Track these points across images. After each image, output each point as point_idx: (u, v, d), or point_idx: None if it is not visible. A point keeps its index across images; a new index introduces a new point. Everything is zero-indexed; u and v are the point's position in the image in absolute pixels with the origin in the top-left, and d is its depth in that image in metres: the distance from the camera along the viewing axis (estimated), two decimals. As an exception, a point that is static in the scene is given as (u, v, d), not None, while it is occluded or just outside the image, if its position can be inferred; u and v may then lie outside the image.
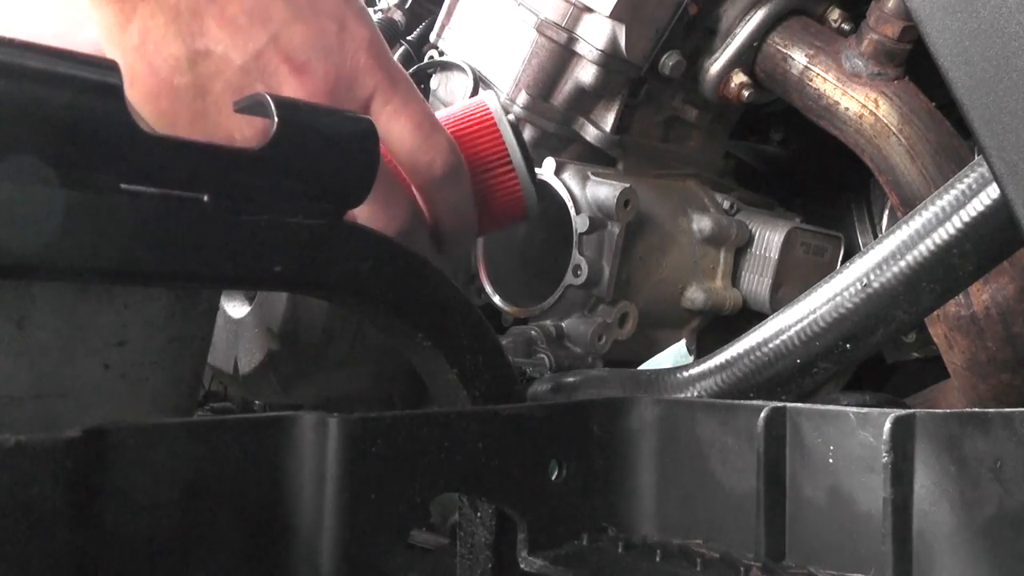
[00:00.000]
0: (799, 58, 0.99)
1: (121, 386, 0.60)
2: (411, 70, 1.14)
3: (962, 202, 0.61)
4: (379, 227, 0.68)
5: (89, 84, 0.43)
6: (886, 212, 1.12)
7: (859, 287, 0.65)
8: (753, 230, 1.05)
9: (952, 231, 0.61)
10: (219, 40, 0.64)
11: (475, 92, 1.04)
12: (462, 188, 0.74)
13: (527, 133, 1.00)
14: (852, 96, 0.95)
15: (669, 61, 0.98)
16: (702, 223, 1.03)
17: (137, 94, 0.64)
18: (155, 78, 0.64)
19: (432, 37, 1.11)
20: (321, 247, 0.54)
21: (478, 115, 0.77)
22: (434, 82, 1.12)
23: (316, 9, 0.68)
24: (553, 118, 1.00)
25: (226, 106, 0.65)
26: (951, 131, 0.92)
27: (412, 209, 0.72)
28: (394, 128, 0.70)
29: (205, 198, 0.49)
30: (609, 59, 0.96)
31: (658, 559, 0.58)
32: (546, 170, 0.97)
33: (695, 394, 0.73)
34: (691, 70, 1.02)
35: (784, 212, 1.14)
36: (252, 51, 0.65)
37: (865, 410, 0.53)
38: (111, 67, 0.44)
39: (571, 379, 0.83)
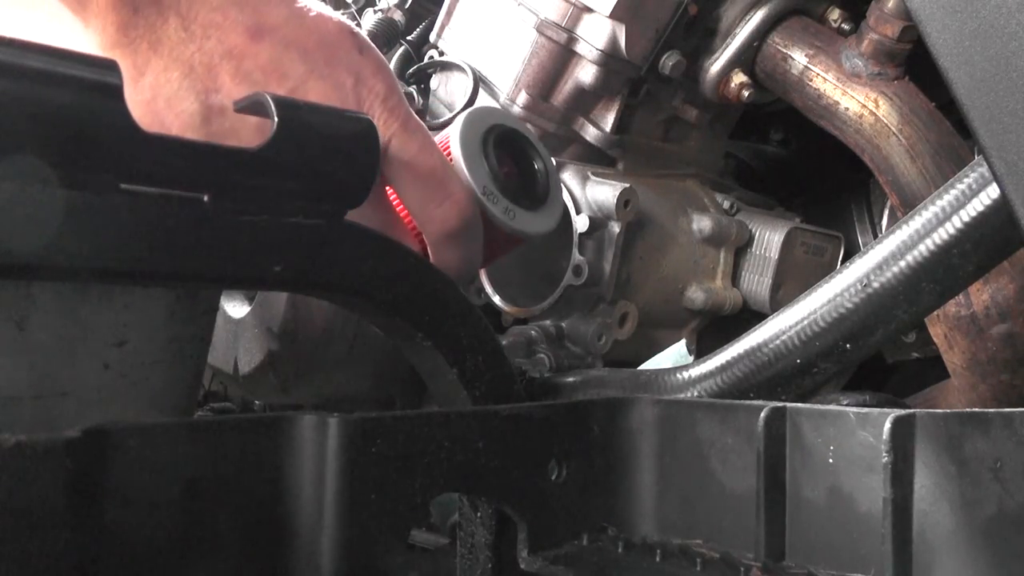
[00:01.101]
0: (799, 58, 0.99)
1: (121, 386, 0.60)
2: (411, 70, 1.14)
3: (962, 202, 0.61)
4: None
5: (89, 84, 0.43)
6: (886, 212, 1.12)
7: (859, 287, 0.65)
8: (753, 230, 1.05)
9: (952, 231, 0.61)
10: (235, 96, 0.62)
11: (475, 92, 1.04)
12: (474, 242, 0.73)
13: (527, 133, 1.00)
14: (852, 96, 0.95)
15: (669, 61, 0.98)
16: (702, 223, 1.03)
17: None
18: (173, 132, 0.62)
19: (432, 37, 1.11)
20: (321, 247, 0.54)
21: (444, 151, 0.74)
22: (434, 82, 1.12)
23: (332, 63, 0.67)
24: (553, 118, 1.00)
25: None
26: (951, 131, 0.92)
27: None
28: (407, 180, 0.69)
29: (205, 198, 0.49)
30: (609, 59, 0.96)
31: (658, 559, 0.58)
32: (546, 170, 0.96)
33: (695, 394, 0.73)
34: (691, 70, 1.02)
35: (784, 212, 1.14)
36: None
37: (865, 410, 0.53)
38: (111, 67, 0.44)
39: (571, 379, 0.83)
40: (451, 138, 0.75)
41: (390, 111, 0.68)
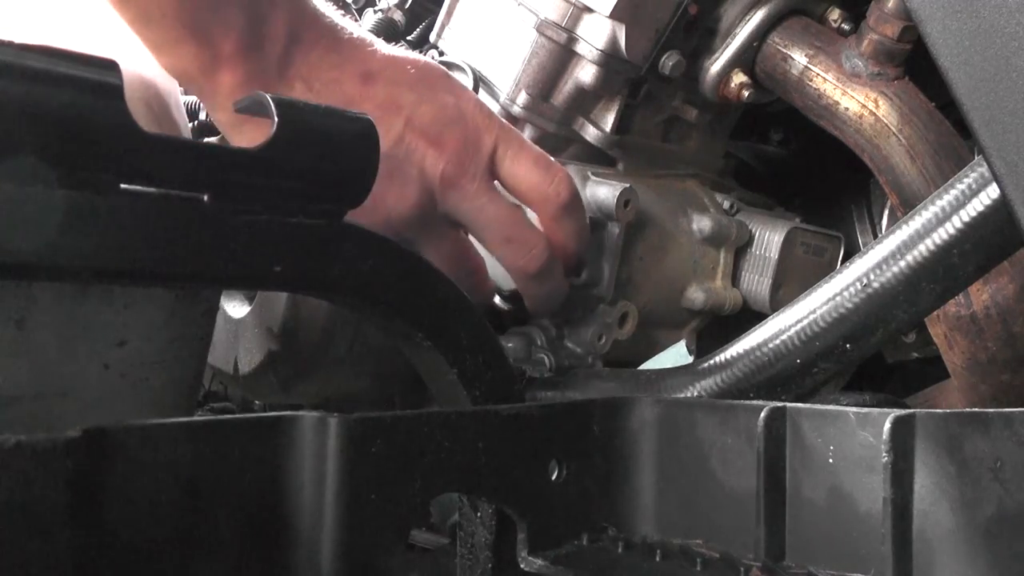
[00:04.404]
0: (799, 58, 0.99)
1: (121, 386, 0.60)
2: (411, 70, 1.14)
3: (962, 202, 0.61)
4: (521, 266, 0.80)
5: (89, 84, 0.43)
6: (886, 212, 1.12)
7: (859, 287, 0.65)
8: (753, 230, 1.05)
9: (952, 231, 0.61)
10: None
11: (475, 92, 1.04)
12: (582, 213, 0.85)
13: (527, 133, 1.00)
14: (852, 96, 0.95)
15: (669, 61, 0.98)
16: (702, 223, 1.03)
17: None
18: None
19: (432, 37, 1.11)
20: (321, 247, 0.54)
21: None
22: (434, 82, 1.12)
23: (433, 89, 0.77)
24: (553, 118, 1.00)
25: (378, 188, 0.67)
26: (951, 131, 0.92)
27: (546, 244, 0.81)
28: (520, 170, 0.79)
29: (205, 198, 0.49)
30: (609, 59, 0.96)
31: (658, 559, 0.58)
32: (546, 170, 0.96)
33: (695, 394, 0.73)
34: (691, 70, 1.02)
35: (784, 212, 1.14)
36: (394, 137, 0.73)
37: (865, 410, 0.53)
38: (111, 67, 0.44)
39: (571, 379, 0.83)
40: None
41: (489, 117, 0.79)
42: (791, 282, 1.04)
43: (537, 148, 0.82)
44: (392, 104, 0.74)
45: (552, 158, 0.82)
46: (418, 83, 0.76)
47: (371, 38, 0.78)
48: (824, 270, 1.05)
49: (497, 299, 1.02)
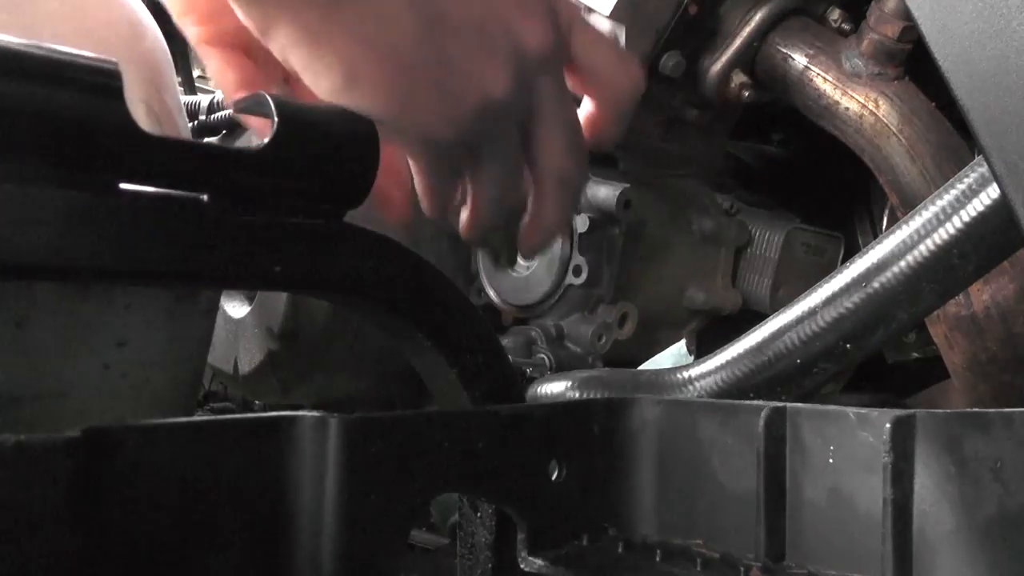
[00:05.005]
0: (799, 58, 0.99)
1: (121, 386, 0.60)
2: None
3: (962, 202, 0.61)
4: (569, 178, 0.68)
5: (89, 85, 0.43)
6: (886, 212, 1.11)
7: (859, 287, 0.65)
8: (753, 230, 1.05)
9: (952, 231, 0.61)
10: (450, 1, 0.61)
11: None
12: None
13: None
14: (852, 96, 0.95)
15: (669, 61, 0.98)
16: (702, 223, 1.03)
17: (370, 83, 0.58)
18: (395, 57, 0.58)
19: (432, 37, 1.11)
20: (321, 247, 0.54)
21: None
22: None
23: None
24: (553, 118, 1.00)
25: (466, 68, 0.62)
26: (951, 131, 0.92)
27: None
28: (600, 51, 0.70)
29: (205, 198, 0.49)
30: (609, 59, 0.96)
31: (658, 559, 0.58)
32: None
33: (695, 394, 0.73)
34: (691, 70, 1.02)
35: (784, 212, 1.14)
36: (483, 3, 0.62)
37: (865, 410, 0.53)
38: (111, 67, 0.44)
39: (571, 378, 0.83)
40: None
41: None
42: (791, 282, 1.04)
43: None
44: None
45: None
46: None
47: None
48: (824, 270, 1.05)
49: (495, 298, 1.02)
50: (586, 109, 0.72)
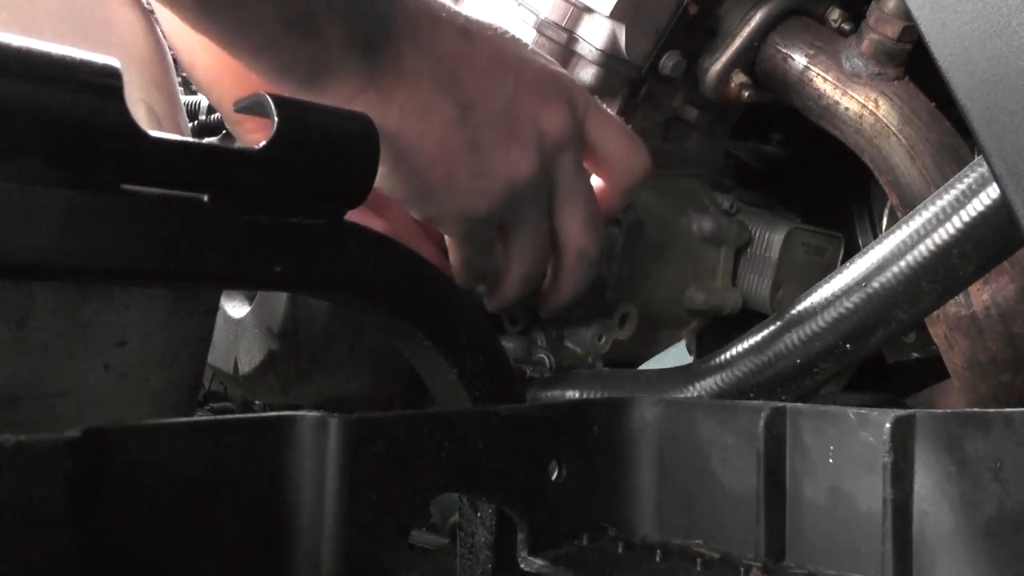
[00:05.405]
0: (799, 58, 0.99)
1: (121, 386, 0.60)
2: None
3: (962, 202, 0.61)
4: (587, 249, 0.76)
5: (89, 85, 0.43)
6: (886, 212, 1.11)
7: (859, 287, 0.65)
8: (753, 230, 1.05)
9: (952, 231, 0.61)
10: (479, 89, 0.67)
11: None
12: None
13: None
14: (852, 96, 0.95)
15: (669, 61, 0.98)
16: (702, 223, 1.03)
17: (412, 166, 0.65)
18: (433, 143, 0.64)
19: (432, 37, 1.11)
20: (321, 247, 0.54)
21: None
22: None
23: (527, 51, 0.74)
24: (553, 118, 1.00)
25: (496, 151, 0.68)
26: (951, 131, 0.92)
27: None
28: (610, 136, 0.77)
29: (205, 198, 0.49)
30: (609, 59, 0.96)
31: (658, 559, 0.58)
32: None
33: (695, 394, 0.73)
34: (691, 70, 1.02)
35: (784, 212, 1.14)
36: (508, 93, 0.69)
37: (865, 410, 0.53)
38: (111, 67, 0.44)
39: (571, 379, 0.83)
40: None
41: (578, 87, 0.76)
42: (791, 282, 1.04)
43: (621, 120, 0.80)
44: (498, 60, 0.70)
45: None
46: (513, 42, 0.73)
47: None
48: (824, 270, 1.05)
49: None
50: (596, 183, 0.79)
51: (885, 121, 0.93)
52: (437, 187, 0.66)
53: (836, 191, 1.16)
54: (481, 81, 0.68)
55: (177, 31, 0.71)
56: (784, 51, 1.00)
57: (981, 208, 0.60)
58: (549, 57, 0.78)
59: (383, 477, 0.49)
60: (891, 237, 0.65)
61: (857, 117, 0.94)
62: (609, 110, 0.80)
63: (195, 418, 0.65)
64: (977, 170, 0.60)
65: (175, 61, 0.74)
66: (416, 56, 0.65)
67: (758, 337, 0.72)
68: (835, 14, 1.02)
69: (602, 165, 0.78)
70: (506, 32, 0.75)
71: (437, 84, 0.66)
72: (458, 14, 0.70)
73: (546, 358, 0.92)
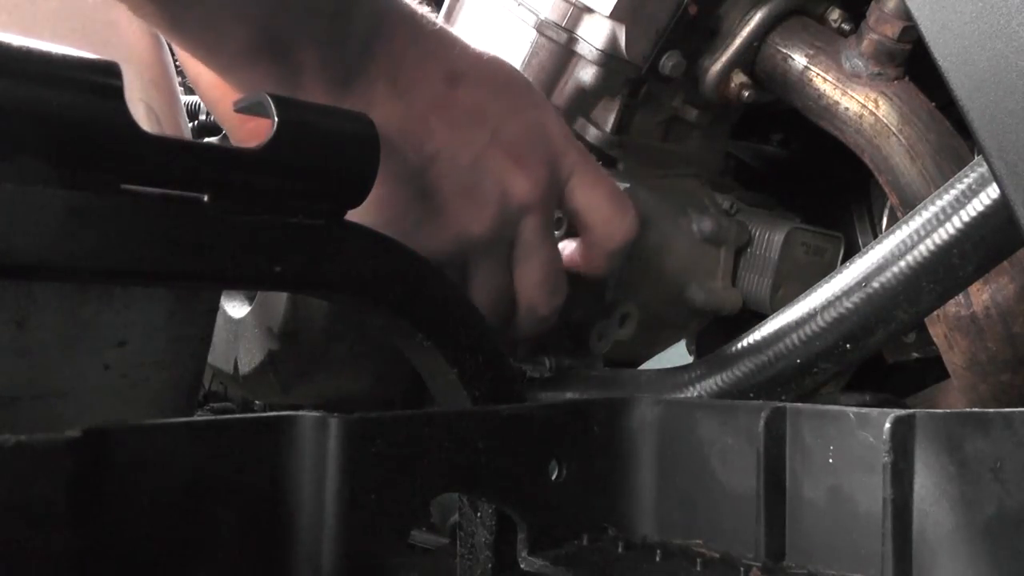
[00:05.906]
0: (799, 58, 0.99)
1: (121, 386, 0.60)
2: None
3: (962, 202, 0.61)
4: (537, 306, 0.76)
5: (89, 85, 0.43)
6: (886, 212, 1.11)
7: (859, 287, 0.65)
8: (753, 230, 1.05)
9: (952, 231, 0.61)
10: (447, 142, 0.67)
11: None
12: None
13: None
14: (852, 96, 0.95)
15: (669, 61, 0.98)
16: (702, 223, 1.03)
17: (363, 205, 0.63)
18: (386, 185, 0.63)
19: (432, 37, 1.11)
20: (321, 247, 0.54)
21: None
22: (434, 82, 1.11)
23: (519, 100, 0.73)
24: (553, 118, 1.00)
25: (453, 203, 0.67)
26: (951, 131, 0.92)
27: (565, 292, 0.78)
28: (594, 202, 0.76)
29: (205, 198, 0.49)
30: (609, 59, 0.96)
31: (658, 559, 0.58)
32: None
33: (695, 394, 0.73)
34: (691, 70, 1.02)
35: (784, 212, 1.14)
36: (477, 150, 0.68)
37: (865, 410, 0.53)
38: (111, 68, 0.44)
39: (570, 379, 0.83)
40: None
41: (567, 139, 0.75)
42: (791, 282, 1.04)
43: (610, 178, 0.79)
44: (478, 113, 0.69)
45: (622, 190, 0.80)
46: (505, 91, 0.72)
47: (452, 32, 0.72)
48: (824, 270, 1.05)
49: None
50: (580, 244, 0.79)
51: (885, 121, 0.93)
52: (383, 229, 0.65)
53: (836, 191, 1.16)
54: (451, 134, 0.68)
55: None
56: (784, 51, 1.00)
57: (981, 208, 0.60)
58: (554, 107, 0.77)
59: (383, 477, 0.49)
60: (891, 237, 0.65)
61: (857, 117, 0.94)
62: (602, 170, 0.79)
63: (195, 418, 0.65)
64: (977, 170, 0.60)
65: (175, 64, 0.74)
66: (389, 99, 0.66)
67: (758, 337, 0.71)
68: (835, 14, 1.02)
69: (583, 229, 0.78)
70: (510, 77, 0.74)
71: (403, 131, 0.66)
72: (451, 57, 0.70)
73: (546, 358, 0.92)
